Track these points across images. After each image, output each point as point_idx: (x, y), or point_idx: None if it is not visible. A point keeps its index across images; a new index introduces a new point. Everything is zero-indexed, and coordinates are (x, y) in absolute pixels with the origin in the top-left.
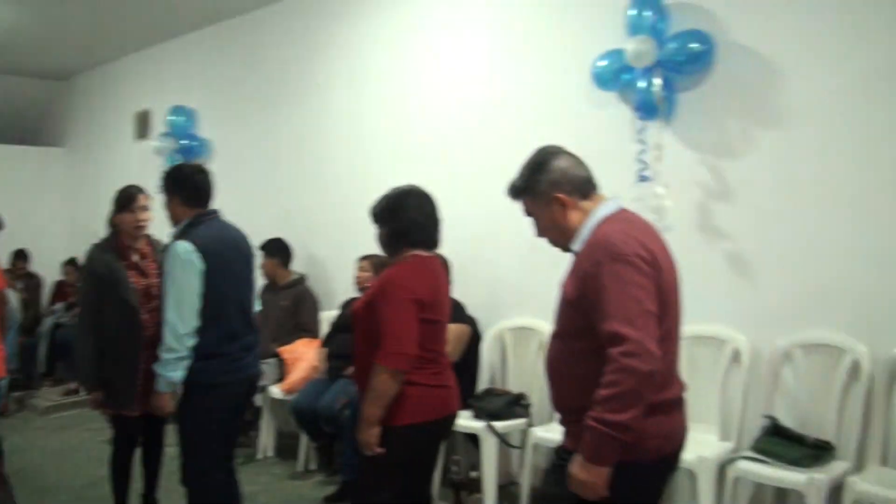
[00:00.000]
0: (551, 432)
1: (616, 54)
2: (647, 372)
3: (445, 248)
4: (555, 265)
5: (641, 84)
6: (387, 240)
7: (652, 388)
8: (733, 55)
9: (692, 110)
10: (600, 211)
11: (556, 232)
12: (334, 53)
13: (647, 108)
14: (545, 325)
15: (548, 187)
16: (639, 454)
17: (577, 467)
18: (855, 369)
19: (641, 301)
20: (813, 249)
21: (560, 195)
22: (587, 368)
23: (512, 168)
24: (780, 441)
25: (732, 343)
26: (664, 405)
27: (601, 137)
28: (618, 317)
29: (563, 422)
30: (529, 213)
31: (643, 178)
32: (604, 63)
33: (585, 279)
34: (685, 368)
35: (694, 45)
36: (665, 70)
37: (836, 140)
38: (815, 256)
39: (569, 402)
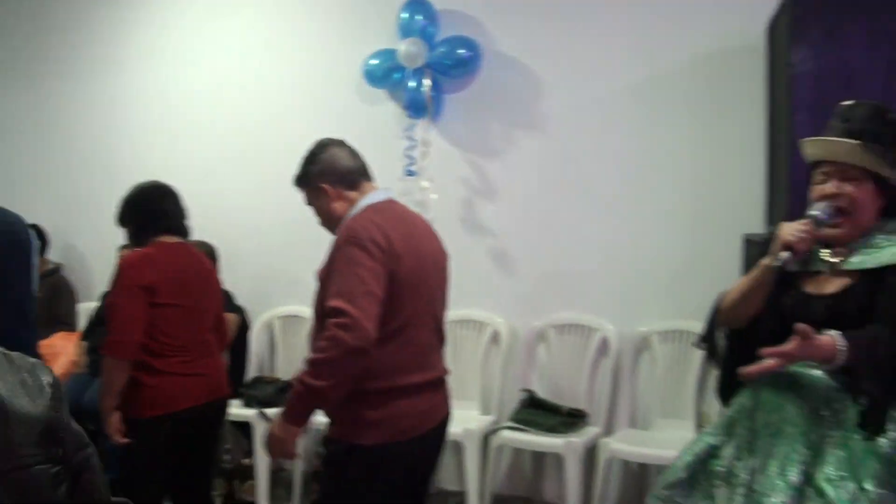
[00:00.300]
0: (321, 416)
1: (387, 53)
2: (354, 347)
3: (213, 237)
4: (323, 253)
5: (411, 84)
6: (133, 238)
7: (358, 363)
8: (498, 63)
9: (458, 111)
10: (363, 201)
11: (325, 220)
12: (102, 38)
13: (416, 107)
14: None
15: (315, 178)
16: (393, 434)
17: (275, 424)
18: (604, 345)
19: (366, 282)
20: (565, 241)
21: (324, 185)
22: None
23: (281, 159)
24: (537, 411)
25: (492, 325)
26: (413, 388)
27: (371, 132)
28: (341, 294)
29: None
30: (308, 202)
31: (410, 173)
32: (375, 61)
33: (328, 262)
34: (448, 350)
35: (461, 51)
36: (434, 72)
37: (588, 145)
38: (567, 247)
39: None
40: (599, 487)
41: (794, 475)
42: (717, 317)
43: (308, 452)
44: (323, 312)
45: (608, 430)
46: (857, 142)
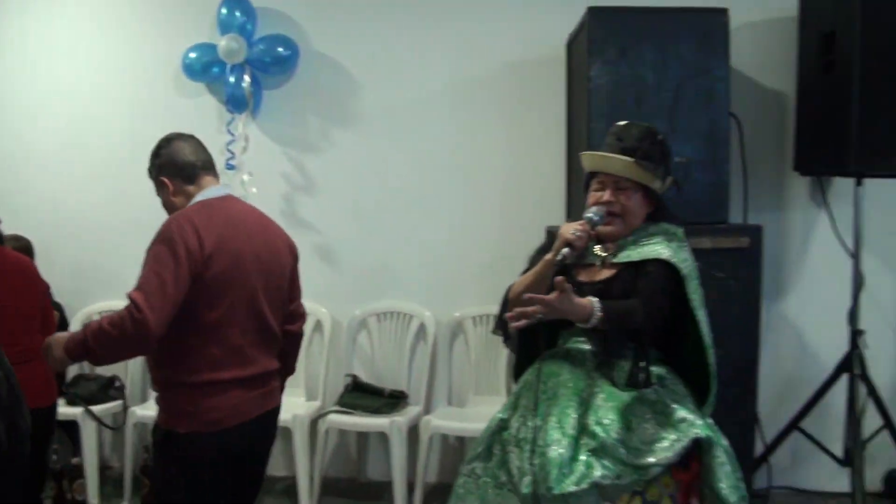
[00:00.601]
0: (149, 410)
1: (206, 48)
2: (134, 339)
3: (30, 233)
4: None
5: (231, 79)
6: None
7: (135, 351)
8: (315, 62)
9: (277, 107)
10: (199, 196)
11: (168, 212)
12: None
13: (236, 102)
14: None
15: (157, 171)
16: (201, 425)
17: (58, 343)
18: (421, 331)
19: (164, 283)
20: (383, 234)
21: (164, 178)
22: (168, 343)
23: (100, 153)
24: (361, 395)
25: (315, 315)
26: (224, 383)
27: (190, 126)
28: (140, 288)
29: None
30: (157, 194)
31: (230, 167)
32: (194, 55)
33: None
34: None
35: (280, 49)
36: (253, 68)
37: (404, 143)
38: (385, 240)
39: (154, 374)
40: (423, 462)
41: (570, 427)
42: (507, 306)
43: (136, 450)
44: None
45: (428, 409)
46: (631, 159)
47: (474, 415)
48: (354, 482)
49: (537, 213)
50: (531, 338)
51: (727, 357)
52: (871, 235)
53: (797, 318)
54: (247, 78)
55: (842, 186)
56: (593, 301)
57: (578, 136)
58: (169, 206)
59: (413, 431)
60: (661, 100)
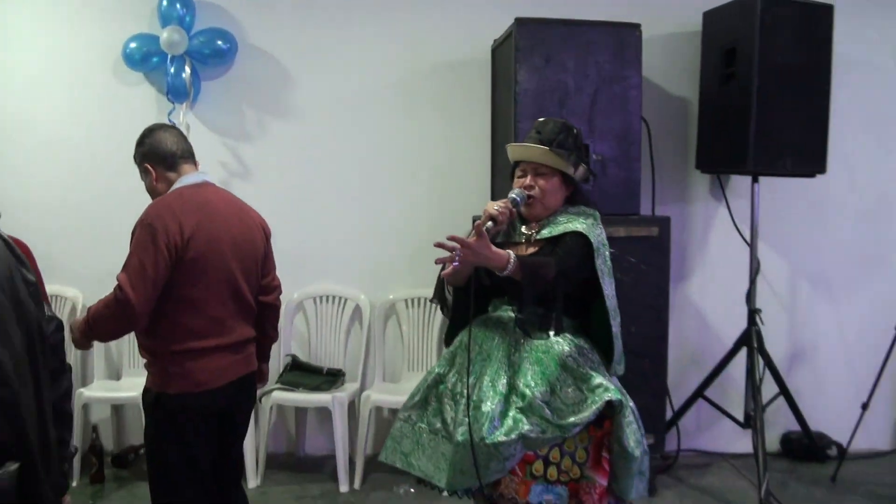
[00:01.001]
0: (96, 391)
1: (146, 38)
2: (121, 315)
3: None
4: (88, 234)
5: (171, 69)
6: None
7: (124, 329)
8: (252, 55)
9: (215, 98)
10: (178, 182)
11: (152, 197)
12: None
13: (176, 92)
14: (74, 292)
15: (141, 158)
16: (189, 385)
17: (77, 328)
18: (357, 313)
19: (145, 266)
20: (320, 221)
21: (148, 165)
22: (157, 316)
23: (44, 136)
24: (301, 373)
25: None
26: (207, 350)
27: (129, 113)
28: (126, 271)
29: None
30: (142, 180)
31: None
32: (135, 45)
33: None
34: None
35: (220, 42)
36: (192, 59)
37: (340, 136)
38: (322, 227)
39: (144, 343)
40: (363, 434)
41: (501, 386)
42: (443, 279)
43: (85, 430)
44: None
45: (364, 386)
46: (546, 147)
47: (408, 389)
48: (293, 457)
49: (465, 203)
50: (464, 307)
51: (640, 333)
52: (764, 226)
53: (700, 299)
54: (187, 69)
55: (738, 183)
56: (510, 253)
57: (505, 133)
58: (152, 191)
59: (351, 407)
60: (580, 103)
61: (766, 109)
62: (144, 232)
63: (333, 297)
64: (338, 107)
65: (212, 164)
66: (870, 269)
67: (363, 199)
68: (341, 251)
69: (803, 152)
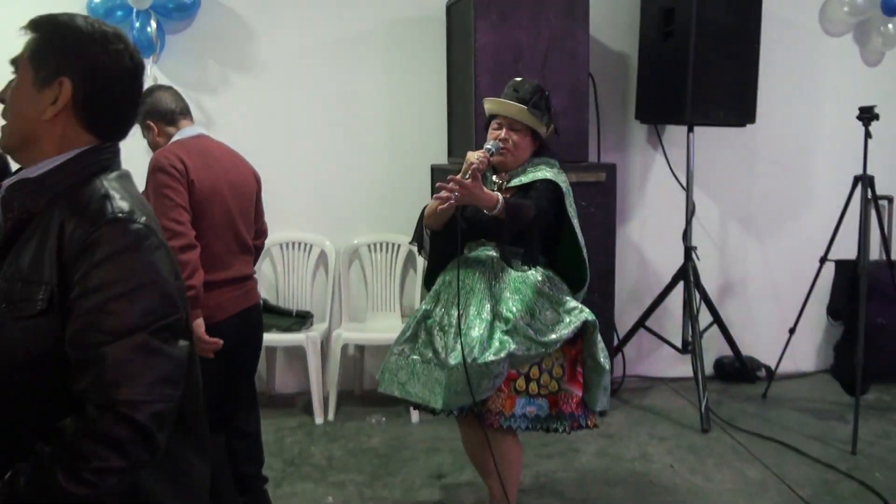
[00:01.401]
0: None
1: None
2: (183, 245)
3: None
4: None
5: (136, 24)
6: None
7: (192, 254)
8: (215, 9)
9: (179, 51)
10: (177, 135)
11: (153, 150)
12: None
13: (142, 47)
14: None
15: (143, 116)
16: (207, 315)
17: None
18: (322, 258)
19: (173, 198)
20: (282, 171)
21: (150, 122)
22: None
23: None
24: (272, 316)
25: None
26: (214, 283)
27: None
28: (159, 213)
29: None
30: (144, 136)
31: None
32: (98, 1)
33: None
34: None
35: None
36: (157, 14)
37: (298, 88)
38: (284, 176)
39: None
40: (336, 370)
41: (486, 314)
42: (422, 223)
43: None
44: None
45: (331, 326)
46: (524, 106)
47: (373, 328)
48: (264, 395)
49: (422, 153)
50: (444, 249)
51: (591, 271)
52: (699, 173)
53: (640, 240)
54: (153, 24)
55: (675, 133)
56: (498, 194)
57: (462, 87)
58: (154, 146)
59: (325, 343)
60: (535, 59)
61: (701, 65)
62: (160, 175)
63: (299, 244)
64: (298, 60)
65: None
66: (794, 211)
67: (325, 150)
68: (306, 199)
69: (735, 104)
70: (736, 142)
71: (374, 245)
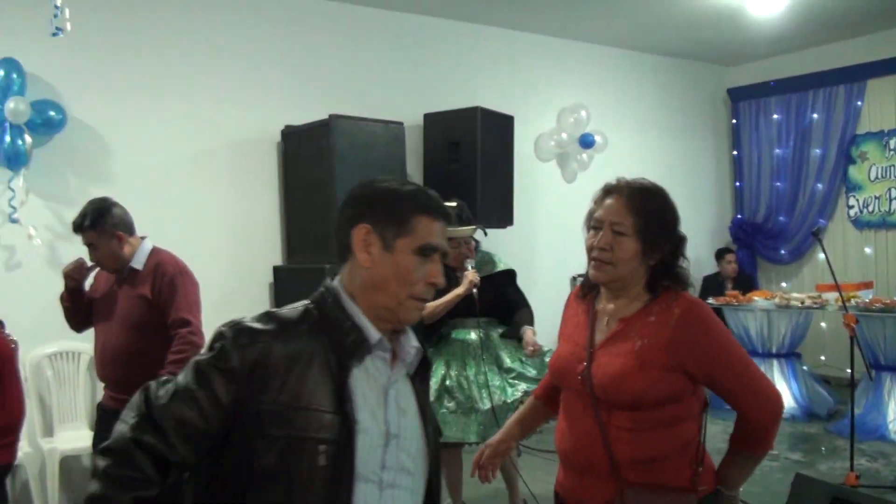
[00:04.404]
0: None
1: None
2: (200, 345)
3: None
4: None
5: (7, 138)
6: None
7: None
8: (77, 127)
9: (42, 164)
10: (145, 244)
11: (111, 261)
12: None
13: (16, 160)
14: None
15: (112, 227)
16: None
17: None
18: None
19: (198, 301)
20: None
21: (120, 233)
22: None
23: None
24: None
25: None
26: None
27: None
28: (189, 310)
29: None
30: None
31: (13, 220)
32: None
33: (160, 286)
34: None
35: (52, 113)
36: (27, 127)
37: (150, 198)
38: None
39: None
40: None
41: (495, 370)
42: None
43: None
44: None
45: None
46: (475, 226)
47: None
48: None
49: (258, 254)
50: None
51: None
52: None
53: None
54: (28, 138)
55: None
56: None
57: (309, 198)
58: (115, 256)
59: None
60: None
61: (484, 183)
62: (188, 276)
63: None
64: (149, 174)
65: (38, 227)
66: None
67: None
68: None
69: (501, 211)
70: (503, 239)
71: None
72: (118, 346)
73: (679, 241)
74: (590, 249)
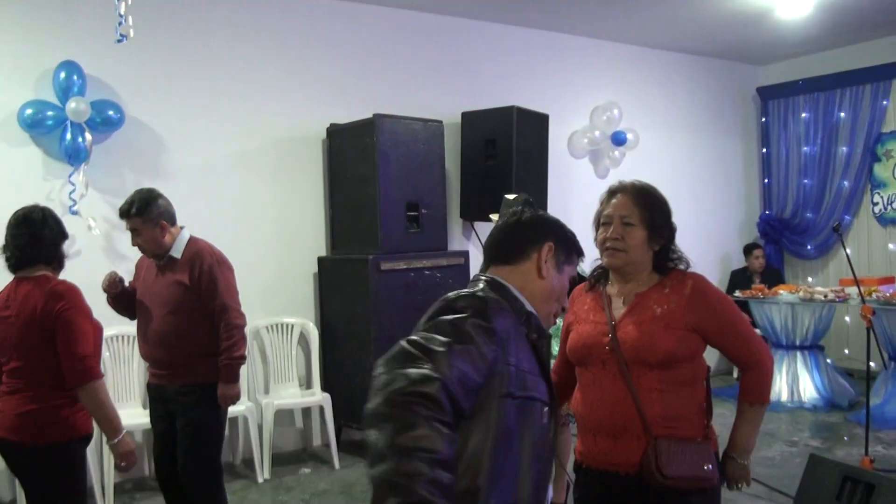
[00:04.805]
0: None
1: (39, 104)
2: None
3: None
4: None
5: (68, 135)
6: None
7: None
8: (135, 125)
9: (100, 160)
10: (183, 233)
11: (153, 248)
12: None
13: (76, 155)
14: None
15: (157, 216)
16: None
17: (224, 387)
18: None
19: (234, 285)
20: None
21: (163, 222)
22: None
23: None
24: None
25: None
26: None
27: (11, 172)
28: (231, 297)
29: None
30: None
31: (73, 212)
32: (30, 111)
33: (199, 274)
34: None
35: (111, 112)
36: (87, 126)
37: (203, 192)
38: None
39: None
40: (270, 435)
41: None
42: None
43: None
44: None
45: (250, 397)
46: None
47: (276, 396)
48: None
49: (303, 246)
50: None
51: None
52: None
53: None
54: (88, 136)
55: (486, 227)
56: None
57: (349, 193)
58: (157, 243)
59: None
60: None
61: (519, 179)
62: (224, 263)
63: None
64: (202, 170)
65: (97, 218)
66: None
67: (224, 246)
68: None
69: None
70: None
71: (270, 327)
72: (159, 329)
73: (674, 230)
74: (602, 242)
